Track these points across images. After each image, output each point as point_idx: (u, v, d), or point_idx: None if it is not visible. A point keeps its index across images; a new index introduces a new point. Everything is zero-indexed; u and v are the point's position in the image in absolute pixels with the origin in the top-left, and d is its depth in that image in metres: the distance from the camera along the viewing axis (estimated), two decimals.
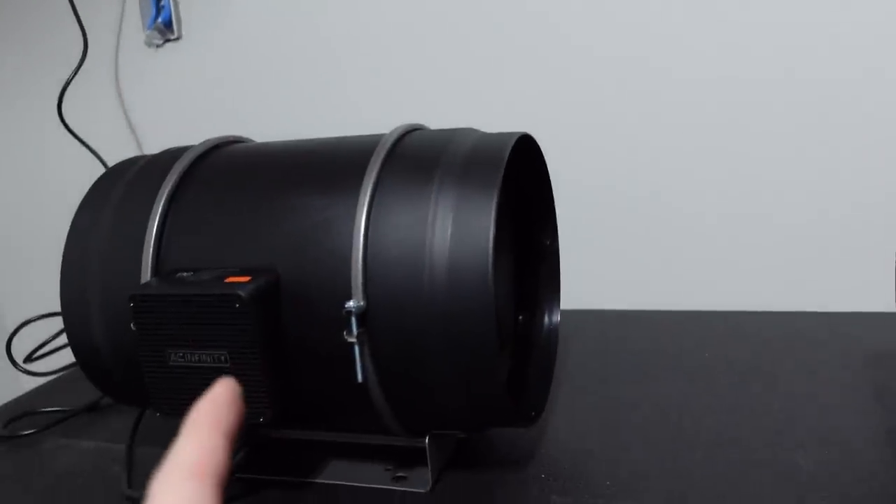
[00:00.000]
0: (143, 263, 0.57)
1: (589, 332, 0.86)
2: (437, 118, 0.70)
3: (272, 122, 1.10)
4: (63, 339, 0.85)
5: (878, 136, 0.84)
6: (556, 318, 0.68)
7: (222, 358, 0.52)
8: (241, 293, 0.50)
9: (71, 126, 1.08)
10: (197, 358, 0.53)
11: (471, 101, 0.98)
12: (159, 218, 0.58)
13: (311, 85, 1.08)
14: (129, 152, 1.19)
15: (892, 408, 0.63)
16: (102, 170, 1.07)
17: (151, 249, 0.57)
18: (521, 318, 0.69)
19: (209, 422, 0.30)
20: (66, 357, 0.88)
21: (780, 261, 0.90)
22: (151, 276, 0.57)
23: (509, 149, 0.55)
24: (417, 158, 0.56)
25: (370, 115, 1.03)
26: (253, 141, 0.70)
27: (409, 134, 0.60)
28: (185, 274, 0.55)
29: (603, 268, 0.96)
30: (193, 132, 0.76)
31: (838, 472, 0.55)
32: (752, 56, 0.87)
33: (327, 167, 0.58)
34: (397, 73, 1.02)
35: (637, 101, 0.92)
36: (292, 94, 1.09)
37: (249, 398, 0.52)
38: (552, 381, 0.66)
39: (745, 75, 0.87)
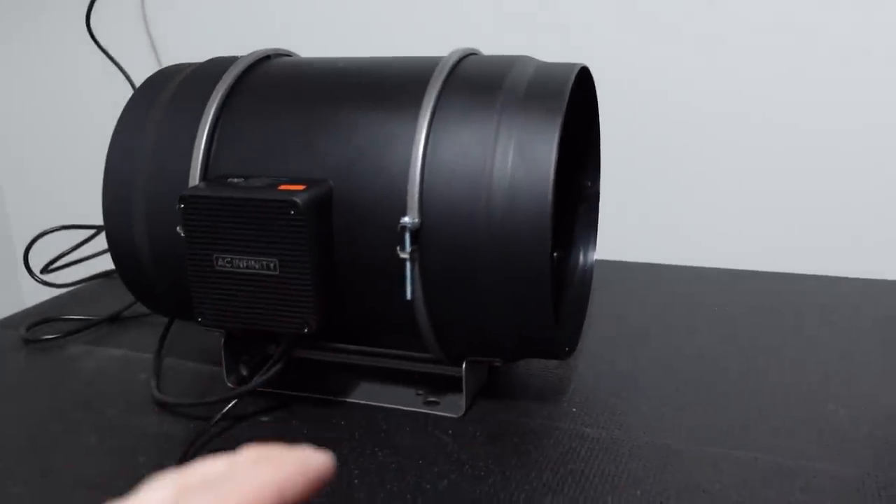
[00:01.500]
0: (193, 167, 0.56)
1: (621, 281, 0.86)
2: (487, 46, 0.69)
3: (304, 42, 1.07)
4: (81, 252, 0.85)
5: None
6: (592, 258, 0.68)
7: (272, 265, 0.52)
8: (297, 200, 0.50)
9: (98, 39, 1.06)
10: (245, 264, 0.52)
11: (523, 29, 0.96)
12: (210, 122, 0.57)
13: (350, 3, 1.05)
14: (152, 68, 1.17)
15: None
16: (128, 85, 1.05)
17: (202, 153, 0.57)
18: (556, 254, 0.69)
19: (278, 483, 0.22)
20: (84, 271, 0.88)
21: (818, 226, 0.90)
22: (201, 180, 0.56)
23: (573, 79, 0.55)
24: (478, 81, 0.55)
25: (416, 38, 1.01)
26: (299, 55, 0.68)
27: (467, 57, 0.60)
28: (236, 179, 0.54)
29: (639, 219, 0.96)
30: (219, 50, 0.74)
31: (864, 422, 0.56)
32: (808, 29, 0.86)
33: (386, 84, 0.57)
34: None
35: (698, 54, 0.90)
36: (325, 12, 1.06)
37: (296, 307, 0.52)
38: (585, 319, 0.66)
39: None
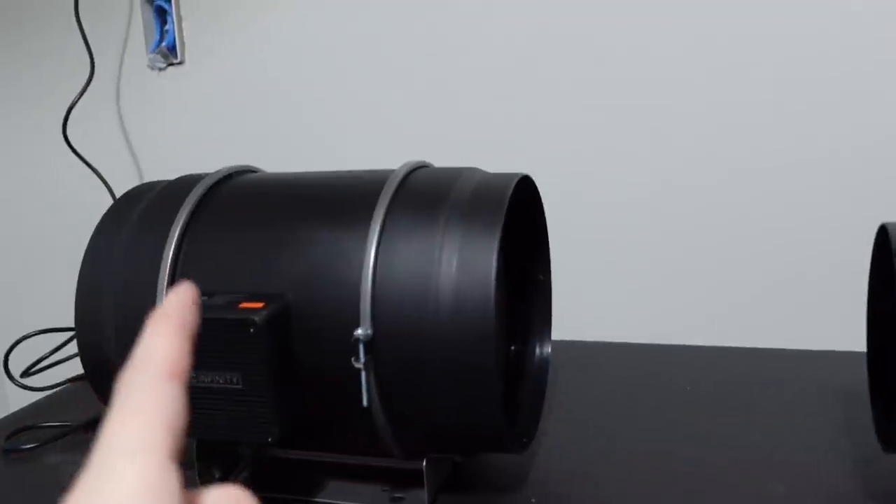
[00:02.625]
0: (160, 287, 0.60)
1: (578, 362, 0.89)
2: (438, 155, 0.73)
3: (273, 151, 1.13)
4: (60, 354, 0.88)
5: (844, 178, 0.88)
6: (548, 349, 0.72)
7: (234, 380, 0.55)
8: (256, 318, 0.53)
9: (74, 146, 1.11)
10: (210, 379, 0.55)
11: (471, 138, 1.02)
12: (175, 243, 0.61)
13: (314, 115, 1.11)
14: (130, 174, 1.22)
15: (858, 441, 0.67)
16: (104, 190, 1.09)
17: (167, 272, 0.60)
18: (513, 348, 0.72)
19: (176, 323, 0.28)
20: (63, 373, 0.90)
21: (761, 300, 0.94)
22: None
23: (511, 189, 0.59)
24: (425, 195, 0.60)
25: (373, 149, 1.07)
26: (263, 171, 0.73)
27: (417, 170, 0.64)
28: (201, 298, 0.58)
29: (592, 301, 1.00)
30: (194, 157, 0.79)
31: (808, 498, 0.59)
32: (758, 99, 0.91)
33: (339, 199, 0.61)
34: (402, 107, 1.06)
35: (631, 139, 0.96)
36: (293, 123, 1.12)
37: (259, 419, 0.55)
38: (542, 409, 0.69)
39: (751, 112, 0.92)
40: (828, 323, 0.89)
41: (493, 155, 0.88)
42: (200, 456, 0.64)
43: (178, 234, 0.62)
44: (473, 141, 1.02)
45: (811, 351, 0.87)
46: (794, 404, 0.76)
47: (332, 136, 1.10)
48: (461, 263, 0.55)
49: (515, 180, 0.61)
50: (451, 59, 1.02)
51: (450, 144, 1.02)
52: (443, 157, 0.70)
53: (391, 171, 0.62)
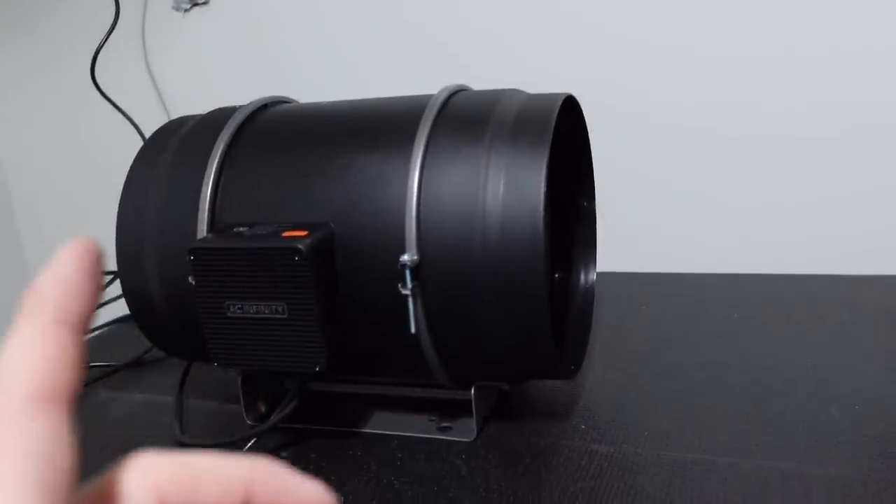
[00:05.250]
0: (200, 218, 0.59)
1: (623, 293, 0.88)
2: (476, 79, 0.71)
3: (303, 88, 1.11)
4: (103, 295, 0.88)
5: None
6: (592, 276, 0.70)
7: (280, 309, 0.54)
8: (300, 246, 0.52)
9: (104, 89, 1.09)
10: (255, 309, 0.55)
11: (510, 62, 0.99)
12: (214, 173, 0.60)
13: (342, 48, 1.09)
14: (158, 116, 1.21)
15: None
16: (134, 132, 1.09)
17: (207, 204, 0.59)
18: (557, 275, 0.71)
19: (52, 316, 0.20)
20: (106, 315, 0.91)
21: (809, 226, 0.91)
22: (208, 231, 0.59)
23: (557, 109, 0.57)
24: (467, 118, 0.58)
25: (406, 77, 1.04)
26: (296, 101, 0.71)
27: (457, 94, 0.62)
28: (241, 229, 0.57)
29: (637, 231, 0.98)
30: (222, 98, 0.77)
31: (865, 424, 0.58)
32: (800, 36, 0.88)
33: (379, 125, 0.59)
34: (433, 33, 1.03)
35: (680, 67, 0.93)
36: (319, 58, 1.10)
37: (306, 348, 0.54)
38: (589, 337, 0.68)
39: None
40: (884, 247, 0.87)
41: (536, 80, 0.85)
42: (246, 390, 0.64)
43: (217, 166, 0.60)
44: (514, 64, 0.99)
45: (865, 276, 0.85)
46: (847, 330, 0.74)
47: (364, 67, 1.07)
48: (508, 186, 0.53)
49: (561, 100, 0.58)
50: None
51: (489, 69, 0.99)
52: (483, 83, 0.68)
53: (431, 96, 0.61)
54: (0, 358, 0.19)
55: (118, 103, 1.11)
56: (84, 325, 0.20)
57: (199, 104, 0.73)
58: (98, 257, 0.21)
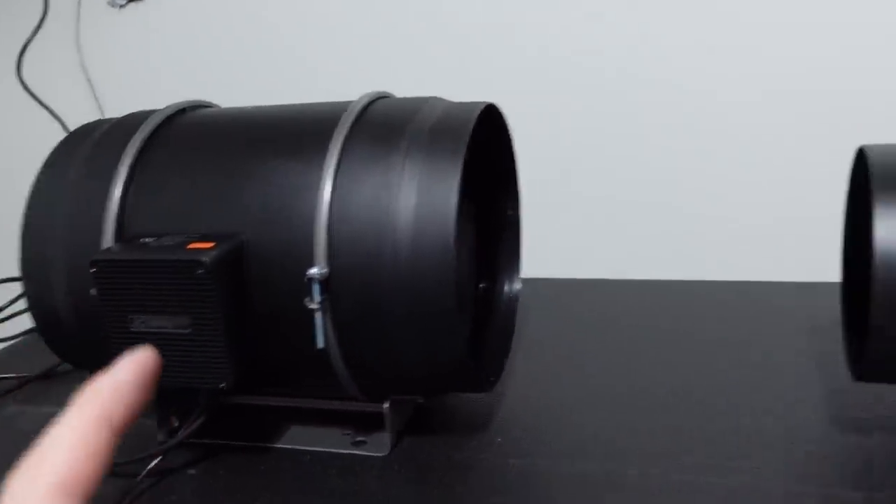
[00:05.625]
0: (105, 228, 0.57)
1: (549, 299, 0.87)
2: (402, 88, 0.70)
3: (235, 86, 1.09)
4: (19, 305, 0.85)
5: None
6: (517, 286, 0.70)
7: (184, 324, 0.52)
8: (204, 259, 0.51)
9: (31, 87, 1.06)
10: (159, 324, 0.53)
11: (435, 71, 0.98)
12: (123, 181, 0.58)
13: (276, 49, 1.07)
14: (90, 114, 1.17)
15: (830, 371, 0.66)
16: (61, 131, 1.06)
17: (114, 213, 0.57)
18: (481, 285, 0.70)
19: (99, 413, 0.23)
20: (20, 325, 0.88)
21: (735, 233, 0.92)
22: (114, 241, 0.57)
23: (475, 119, 0.56)
24: (385, 126, 0.57)
25: (336, 82, 1.03)
26: (218, 106, 0.69)
27: (377, 101, 0.61)
28: (148, 240, 0.55)
29: (563, 238, 0.98)
30: (155, 95, 0.75)
31: (783, 434, 0.58)
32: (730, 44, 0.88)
33: (294, 133, 0.58)
34: (364, 39, 1.02)
35: (599, 73, 0.93)
36: (255, 58, 1.08)
37: (212, 364, 0.53)
38: (510, 348, 0.67)
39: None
40: (802, 254, 0.87)
41: (462, 88, 0.84)
42: (160, 403, 0.62)
43: (127, 172, 0.58)
44: (442, 73, 0.98)
45: (785, 283, 0.85)
46: (766, 336, 0.74)
47: (297, 70, 1.06)
48: (421, 197, 0.52)
49: (480, 109, 0.58)
50: None
51: (419, 77, 0.98)
52: (411, 90, 0.67)
53: (350, 102, 0.59)
54: (43, 439, 0.22)
55: (47, 101, 1.08)
56: (123, 430, 0.24)
57: (136, 103, 0.71)
58: (153, 372, 0.26)
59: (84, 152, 0.62)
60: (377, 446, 0.60)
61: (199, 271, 0.51)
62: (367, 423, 0.62)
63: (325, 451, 0.60)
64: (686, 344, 0.74)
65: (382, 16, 1.00)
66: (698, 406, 0.63)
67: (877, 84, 0.86)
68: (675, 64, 0.90)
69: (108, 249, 0.55)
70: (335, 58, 1.03)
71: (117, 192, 0.58)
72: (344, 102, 0.60)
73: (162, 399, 0.62)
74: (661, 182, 0.93)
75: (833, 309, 0.60)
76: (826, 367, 0.67)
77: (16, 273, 0.86)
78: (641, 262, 0.94)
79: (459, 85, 0.91)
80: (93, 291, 0.54)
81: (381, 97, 0.62)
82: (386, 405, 0.59)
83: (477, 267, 0.70)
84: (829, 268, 0.62)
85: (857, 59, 0.86)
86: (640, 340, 0.76)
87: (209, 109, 0.67)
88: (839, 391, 0.63)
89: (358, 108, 0.58)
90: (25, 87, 1.05)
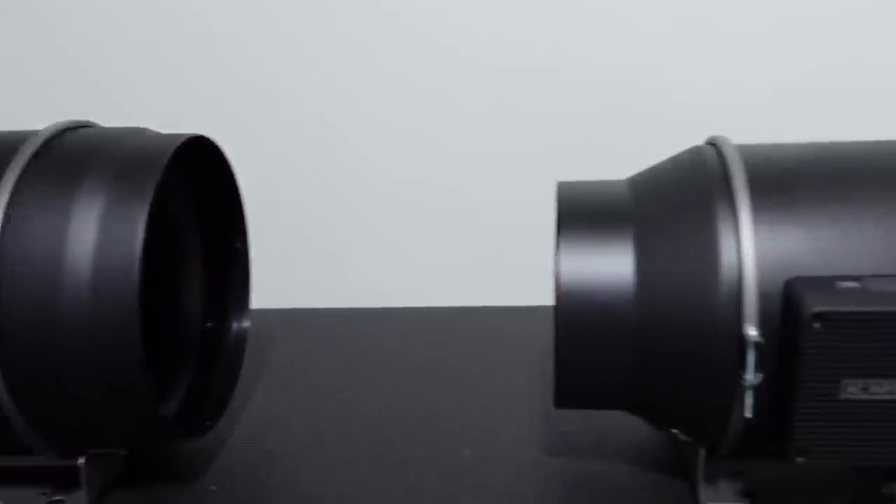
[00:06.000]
0: None
1: (282, 332, 0.84)
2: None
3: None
4: None
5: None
6: (245, 323, 0.67)
7: None
8: None
9: None
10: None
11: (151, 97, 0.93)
12: None
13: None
14: None
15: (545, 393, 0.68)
16: None
17: None
18: (209, 324, 0.67)
19: None
20: None
21: (453, 258, 0.93)
22: None
23: (170, 153, 0.53)
24: (70, 159, 0.53)
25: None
26: None
27: (72, 131, 0.56)
28: None
29: (301, 268, 0.95)
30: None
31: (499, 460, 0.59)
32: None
33: None
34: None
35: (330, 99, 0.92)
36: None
37: None
38: (235, 388, 0.64)
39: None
40: (521, 278, 0.89)
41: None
42: None
43: None
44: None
45: (504, 307, 0.87)
46: (483, 361, 0.76)
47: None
48: (102, 234, 0.49)
49: (180, 141, 0.55)
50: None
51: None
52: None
53: (37, 131, 0.55)
54: None
55: None
56: None
57: None
58: None
59: None
60: None
61: None
62: (66, 481, 0.56)
63: None
64: (403, 372, 0.74)
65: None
66: (418, 441, 0.63)
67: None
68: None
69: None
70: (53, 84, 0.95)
71: None
72: (31, 131, 0.55)
73: None
74: (376, 212, 0.94)
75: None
76: (541, 388, 0.69)
77: None
78: (371, 291, 0.93)
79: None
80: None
81: (81, 126, 0.58)
82: (81, 460, 0.54)
83: (205, 305, 0.67)
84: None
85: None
86: (366, 371, 0.75)
87: None
88: (551, 416, 0.65)
89: (42, 138, 0.53)
90: None
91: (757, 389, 0.45)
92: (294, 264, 0.95)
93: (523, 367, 0.74)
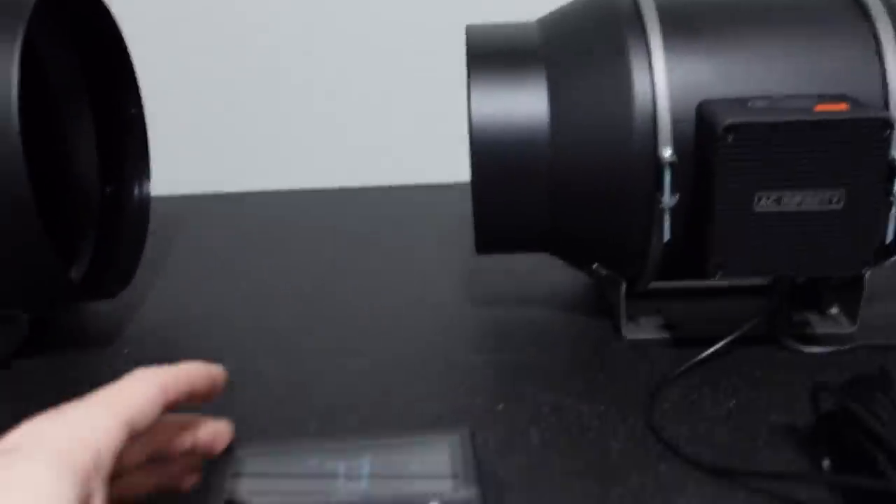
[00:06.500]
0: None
1: (183, 215, 0.81)
2: None
3: None
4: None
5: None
6: (147, 189, 0.64)
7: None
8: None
9: None
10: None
11: None
12: None
13: None
14: None
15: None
16: None
17: None
18: (108, 190, 0.63)
19: (166, 381, 0.32)
20: None
21: (375, 138, 0.90)
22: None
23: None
24: None
25: None
26: None
27: None
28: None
29: (200, 148, 0.91)
30: None
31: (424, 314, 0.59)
32: None
33: None
34: None
35: None
36: None
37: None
38: (142, 253, 0.62)
39: None
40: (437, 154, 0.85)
41: None
42: None
43: None
44: None
45: (420, 185, 0.86)
46: (401, 235, 0.75)
47: None
48: None
49: None
50: None
51: None
52: None
53: None
54: (127, 381, 0.32)
55: None
56: (165, 408, 0.32)
57: None
58: (216, 388, 0.36)
59: None
60: None
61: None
62: None
63: None
64: (331, 248, 0.73)
65: None
66: (331, 298, 0.63)
67: None
68: None
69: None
70: None
71: None
72: None
73: None
74: (301, 90, 0.89)
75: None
76: (467, 252, 0.69)
77: None
78: (270, 173, 0.90)
79: None
80: None
81: None
82: None
83: (102, 170, 0.63)
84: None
85: None
86: (286, 249, 0.73)
87: None
88: (475, 271, 0.66)
89: None
90: None
91: (673, 211, 0.46)
92: (198, 146, 0.90)
93: (442, 239, 0.73)
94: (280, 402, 0.49)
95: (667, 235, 0.46)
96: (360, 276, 0.66)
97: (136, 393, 0.31)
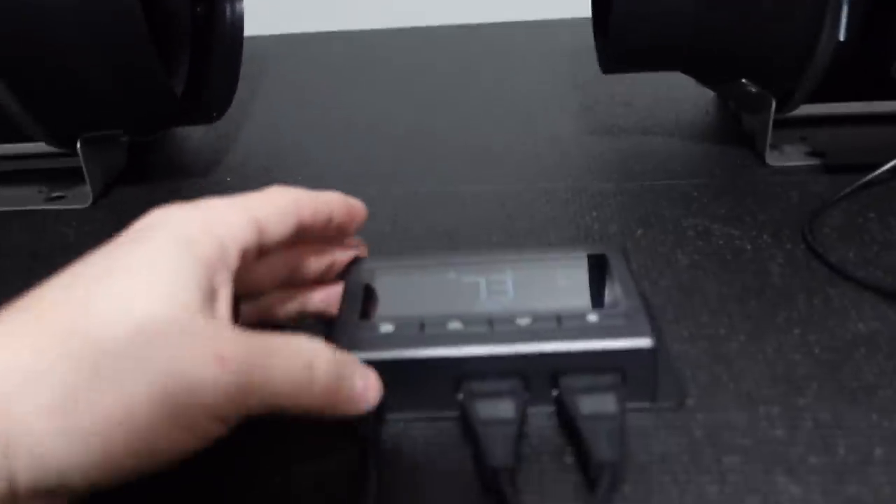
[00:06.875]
0: None
1: (296, 53, 0.77)
2: None
3: None
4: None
5: None
6: (239, 9, 0.59)
7: None
8: None
9: None
10: None
11: None
12: None
13: None
14: None
15: (587, 91, 0.63)
16: None
17: None
18: (199, 9, 0.59)
19: (304, 201, 0.30)
20: None
21: None
22: None
23: None
24: None
25: None
26: None
27: None
28: None
29: None
30: None
31: (538, 143, 0.54)
32: None
33: None
34: None
35: None
36: None
37: None
38: (238, 78, 0.58)
39: None
40: None
41: None
42: None
43: None
44: None
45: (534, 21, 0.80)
46: (520, 70, 0.69)
47: None
48: None
49: None
50: None
51: None
52: None
53: None
54: (264, 191, 0.30)
55: None
56: (300, 226, 0.30)
57: None
58: (356, 221, 0.33)
59: None
60: (78, 199, 0.50)
61: None
62: (67, 178, 0.51)
63: (11, 210, 0.49)
64: (440, 86, 0.67)
65: None
66: (446, 131, 0.58)
67: None
68: None
69: None
70: None
71: None
72: None
73: None
74: None
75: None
76: (579, 88, 0.63)
77: None
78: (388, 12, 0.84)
79: None
80: None
81: None
82: (78, 146, 0.48)
83: None
84: None
85: None
86: (394, 84, 0.68)
87: None
88: (589, 105, 0.60)
89: None
90: None
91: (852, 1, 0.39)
92: None
93: (545, 75, 0.67)
94: (394, 223, 0.45)
95: (843, 33, 0.40)
96: (464, 110, 0.61)
97: (270, 199, 0.30)
